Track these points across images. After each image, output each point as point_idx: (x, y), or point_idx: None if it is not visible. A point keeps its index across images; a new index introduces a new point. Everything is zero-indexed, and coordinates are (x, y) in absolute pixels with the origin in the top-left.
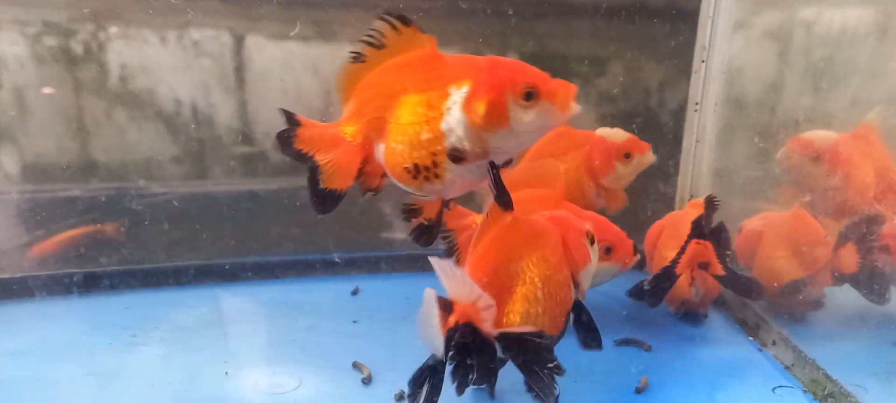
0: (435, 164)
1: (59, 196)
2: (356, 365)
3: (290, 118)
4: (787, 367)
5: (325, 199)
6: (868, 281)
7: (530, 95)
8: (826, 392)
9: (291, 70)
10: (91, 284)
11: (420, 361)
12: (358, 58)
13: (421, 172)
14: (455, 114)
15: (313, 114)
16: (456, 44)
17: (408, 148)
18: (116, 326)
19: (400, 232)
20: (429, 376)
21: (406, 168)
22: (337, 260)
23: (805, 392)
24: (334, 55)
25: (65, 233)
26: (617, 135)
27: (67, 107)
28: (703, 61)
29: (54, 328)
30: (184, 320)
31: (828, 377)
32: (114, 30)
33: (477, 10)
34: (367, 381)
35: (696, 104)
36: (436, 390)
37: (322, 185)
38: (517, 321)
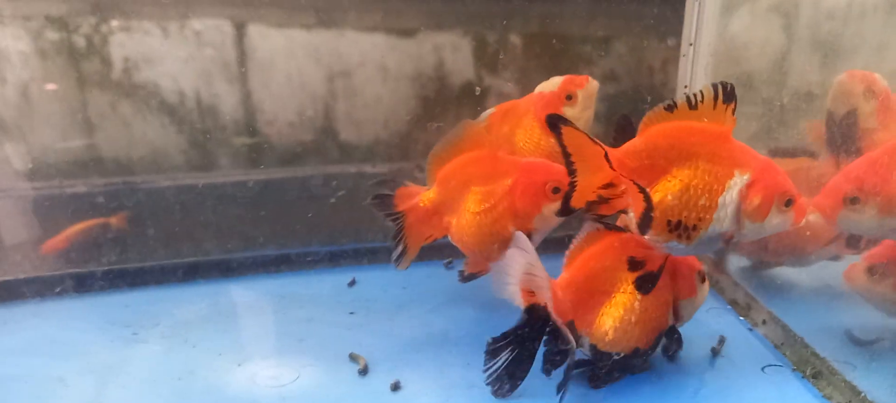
0: (695, 228)
1: (65, 192)
2: (353, 357)
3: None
4: (776, 346)
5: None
6: None
7: (789, 204)
8: (814, 371)
9: (294, 58)
10: (90, 283)
11: (415, 350)
12: (671, 107)
13: (679, 229)
14: (732, 195)
15: (317, 102)
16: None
17: (681, 205)
18: (117, 324)
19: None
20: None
21: (670, 220)
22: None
23: (794, 371)
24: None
25: (73, 228)
26: (552, 83)
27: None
28: (690, 44)
29: (52, 326)
30: (184, 316)
31: (816, 355)
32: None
33: None
34: (363, 372)
35: (685, 87)
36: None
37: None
38: (610, 324)
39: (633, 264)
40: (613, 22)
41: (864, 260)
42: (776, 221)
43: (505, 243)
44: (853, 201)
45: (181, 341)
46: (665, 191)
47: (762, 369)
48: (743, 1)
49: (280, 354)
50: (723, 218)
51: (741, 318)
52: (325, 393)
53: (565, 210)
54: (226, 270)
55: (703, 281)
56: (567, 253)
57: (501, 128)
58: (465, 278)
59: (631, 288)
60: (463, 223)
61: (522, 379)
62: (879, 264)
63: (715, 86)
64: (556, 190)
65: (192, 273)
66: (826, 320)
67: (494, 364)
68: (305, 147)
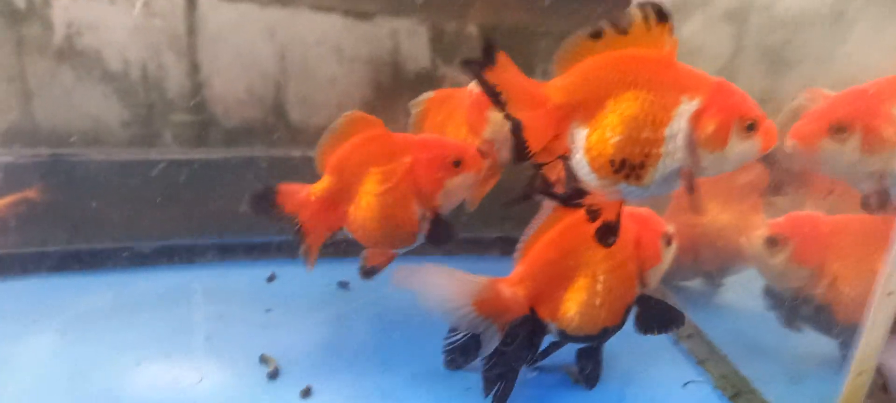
0: (642, 166)
1: None
2: (263, 359)
3: (489, 54)
4: (699, 361)
5: (520, 155)
6: None
7: (751, 127)
8: (735, 390)
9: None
10: None
11: (331, 354)
12: (597, 35)
13: (625, 168)
14: (681, 124)
15: (267, 80)
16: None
17: (624, 140)
18: (13, 312)
19: None
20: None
21: (612, 159)
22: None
23: (714, 388)
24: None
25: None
26: None
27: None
28: None
29: None
30: (85, 307)
31: (737, 373)
32: None
33: None
34: (273, 375)
35: None
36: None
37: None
38: (574, 309)
39: (591, 214)
40: (571, 18)
41: (767, 228)
42: (739, 149)
43: (410, 229)
44: (838, 130)
45: (78, 335)
46: (602, 128)
47: (683, 385)
48: (696, 7)
49: (185, 353)
50: (673, 151)
51: None
52: (229, 398)
53: (521, 155)
54: (137, 259)
55: (668, 243)
56: (521, 242)
57: (437, 115)
58: (367, 272)
59: (593, 271)
60: (363, 206)
61: (474, 359)
62: (779, 236)
63: (642, 7)
64: (457, 163)
65: (99, 260)
66: (752, 337)
67: (454, 337)
68: (252, 127)
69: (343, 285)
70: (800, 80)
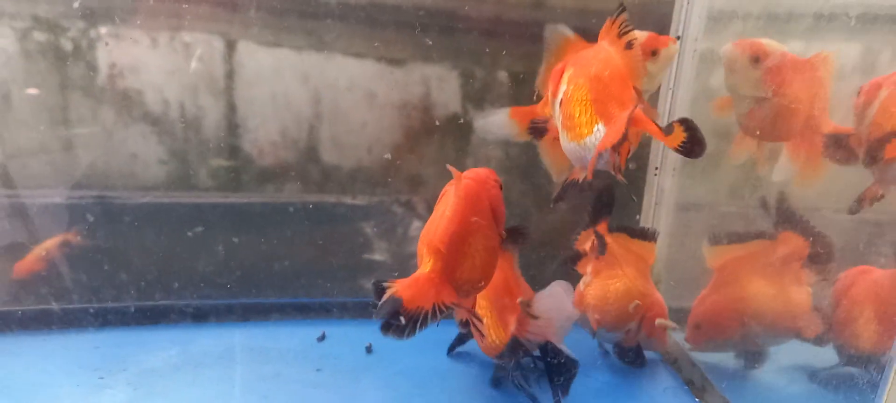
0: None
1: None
2: None
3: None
4: None
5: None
6: None
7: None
8: None
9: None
10: (58, 320)
11: None
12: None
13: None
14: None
15: (301, 123)
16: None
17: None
18: (84, 367)
19: (366, 278)
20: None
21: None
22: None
23: None
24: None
25: (41, 247)
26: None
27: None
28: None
29: (18, 366)
30: (152, 362)
31: None
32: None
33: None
34: None
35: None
36: None
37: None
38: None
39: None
40: None
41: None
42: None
43: None
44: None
45: (147, 390)
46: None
47: None
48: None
49: None
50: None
51: (697, 400)
52: None
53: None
54: (201, 316)
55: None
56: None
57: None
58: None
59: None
60: None
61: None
62: (703, 321)
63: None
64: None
65: (162, 316)
66: None
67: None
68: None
69: (368, 350)
70: None
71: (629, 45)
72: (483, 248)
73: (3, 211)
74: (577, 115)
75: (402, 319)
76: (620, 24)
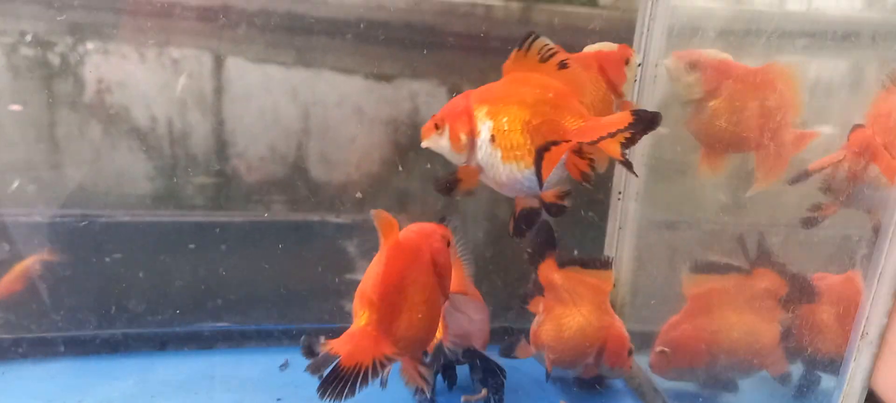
0: None
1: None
2: None
3: None
4: None
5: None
6: None
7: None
8: None
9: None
10: (14, 351)
11: None
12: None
13: None
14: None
15: (290, 137)
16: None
17: None
18: (37, 398)
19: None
20: None
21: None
22: None
23: None
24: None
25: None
26: (605, 46)
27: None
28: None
29: None
30: (108, 393)
31: None
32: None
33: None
34: None
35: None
36: None
37: None
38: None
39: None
40: None
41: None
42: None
43: None
44: None
45: None
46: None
47: None
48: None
49: None
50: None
51: None
52: None
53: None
54: (160, 344)
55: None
56: None
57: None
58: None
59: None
60: None
61: None
62: (673, 348)
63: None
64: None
65: (128, 345)
66: None
67: None
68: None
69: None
70: None
71: (563, 65)
72: (422, 302)
73: None
74: (526, 143)
75: (341, 377)
76: (541, 49)
